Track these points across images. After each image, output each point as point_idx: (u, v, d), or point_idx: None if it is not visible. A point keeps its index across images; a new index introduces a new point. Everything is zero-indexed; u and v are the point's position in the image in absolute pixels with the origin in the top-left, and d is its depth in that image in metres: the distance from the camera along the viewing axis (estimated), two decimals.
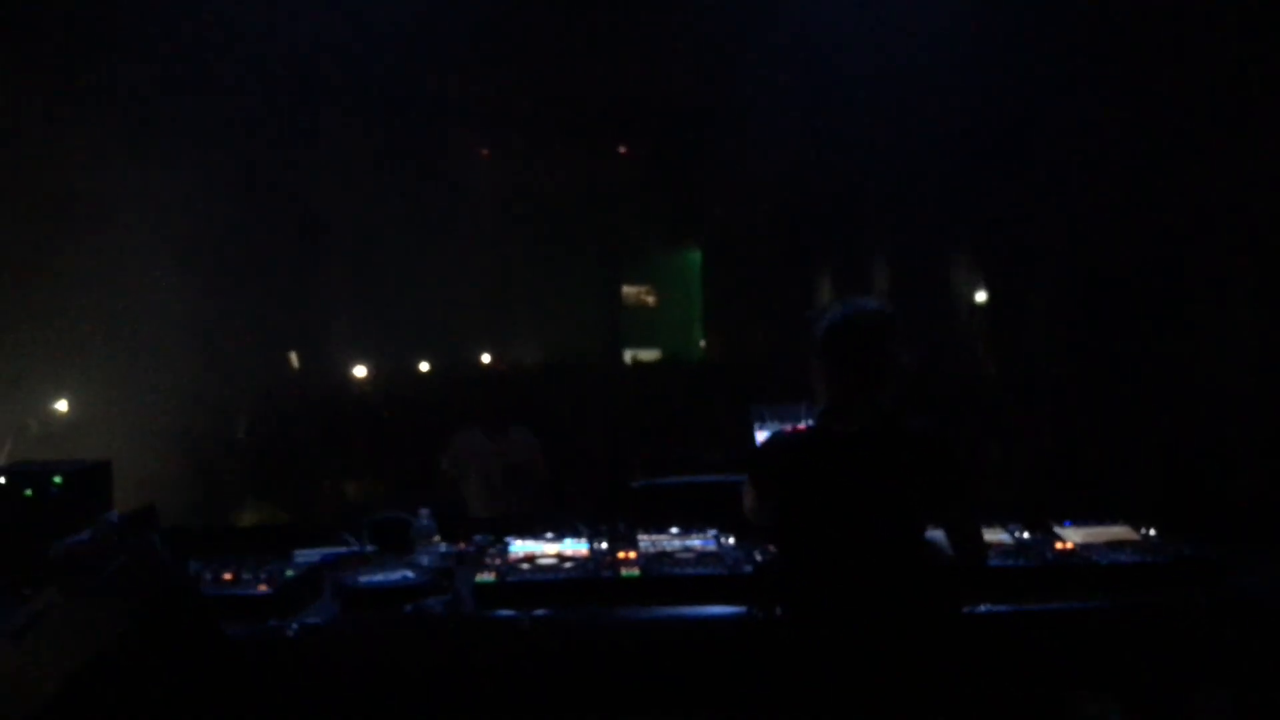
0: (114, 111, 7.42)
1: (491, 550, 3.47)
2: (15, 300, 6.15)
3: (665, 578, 3.10)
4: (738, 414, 4.05)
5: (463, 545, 3.67)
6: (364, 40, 10.84)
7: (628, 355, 17.69)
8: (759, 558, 3.21)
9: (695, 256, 19.19)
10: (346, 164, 11.78)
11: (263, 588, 3.03)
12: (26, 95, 6.70)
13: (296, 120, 10.60)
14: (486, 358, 15.73)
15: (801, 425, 3.69)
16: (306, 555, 3.57)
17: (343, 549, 3.68)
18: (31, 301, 6.18)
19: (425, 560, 3.36)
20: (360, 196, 12.19)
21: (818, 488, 2.65)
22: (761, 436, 3.73)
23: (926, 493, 2.63)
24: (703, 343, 18.78)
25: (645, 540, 3.48)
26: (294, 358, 12.38)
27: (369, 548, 3.70)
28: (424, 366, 14.61)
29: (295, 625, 2.93)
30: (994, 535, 3.41)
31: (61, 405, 6.17)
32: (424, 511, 3.56)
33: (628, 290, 19.45)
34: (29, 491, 3.50)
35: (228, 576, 3.15)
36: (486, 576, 3.11)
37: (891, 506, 2.62)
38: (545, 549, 3.41)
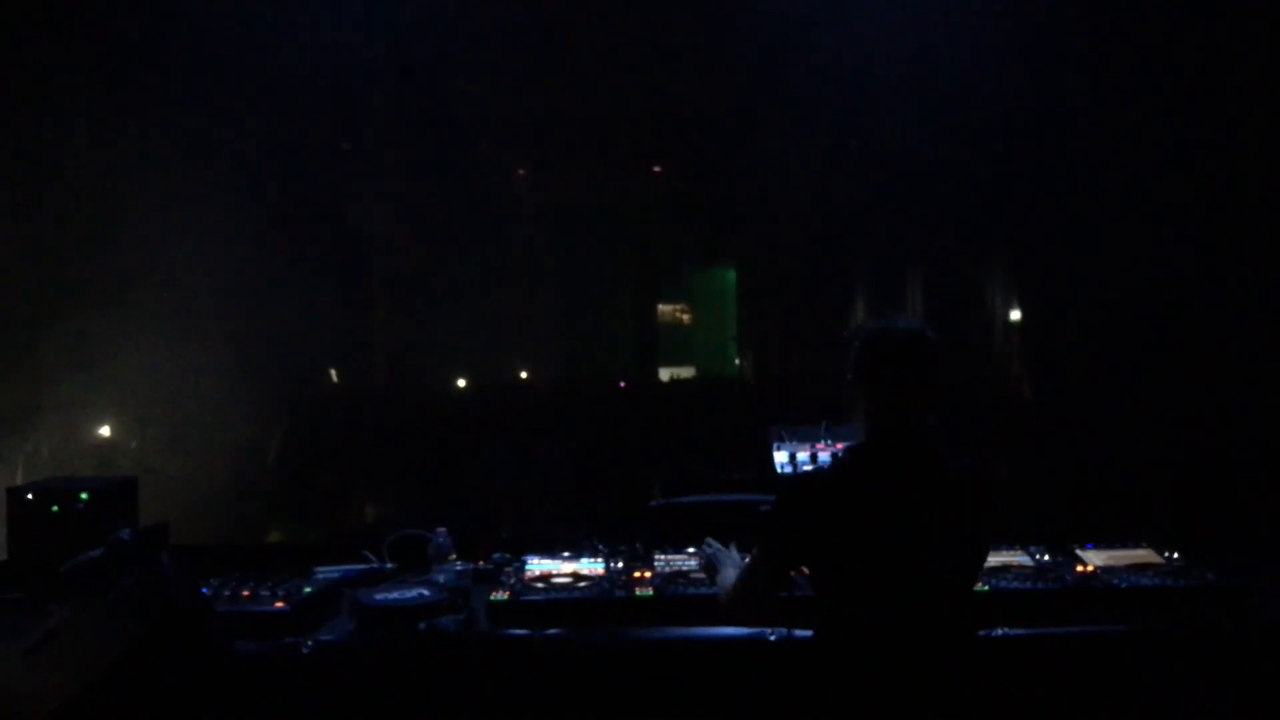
0: (154, 131, 7.56)
1: (508, 569, 3.48)
2: (46, 322, 6.26)
3: (679, 598, 3.10)
4: (761, 433, 4.05)
5: (481, 563, 3.68)
6: (401, 59, 10.99)
7: (664, 373, 17.71)
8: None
9: (730, 274, 19.20)
10: (383, 182, 11.93)
11: (279, 604, 3.06)
12: (64, 118, 6.83)
13: (334, 138, 10.74)
14: (524, 374, 15.81)
15: (821, 446, 3.69)
16: (327, 572, 3.60)
17: (363, 566, 3.71)
18: (66, 322, 6.29)
19: (442, 578, 3.37)
20: (398, 214, 12.32)
21: (862, 528, 2.44)
22: (780, 457, 3.73)
23: (975, 530, 2.51)
24: (738, 360, 18.78)
25: (661, 560, 3.47)
26: (334, 374, 12.50)
27: (389, 565, 3.73)
28: (461, 382, 14.70)
29: (310, 642, 2.95)
30: (1015, 557, 3.38)
31: (105, 430, 6.26)
32: (440, 530, 3.58)
33: (663, 308, 19.50)
34: (56, 508, 3.58)
35: (246, 593, 3.18)
36: (500, 595, 3.12)
37: (944, 545, 2.46)
38: (561, 568, 3.42)
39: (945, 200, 10.52)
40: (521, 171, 16.42)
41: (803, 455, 3.65)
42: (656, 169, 16.92)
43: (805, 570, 2.60)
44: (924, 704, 2.42)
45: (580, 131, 15.06)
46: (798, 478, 2.77)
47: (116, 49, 7.03)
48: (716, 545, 3.15)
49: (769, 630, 2.95)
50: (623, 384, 13.18)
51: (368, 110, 10.85)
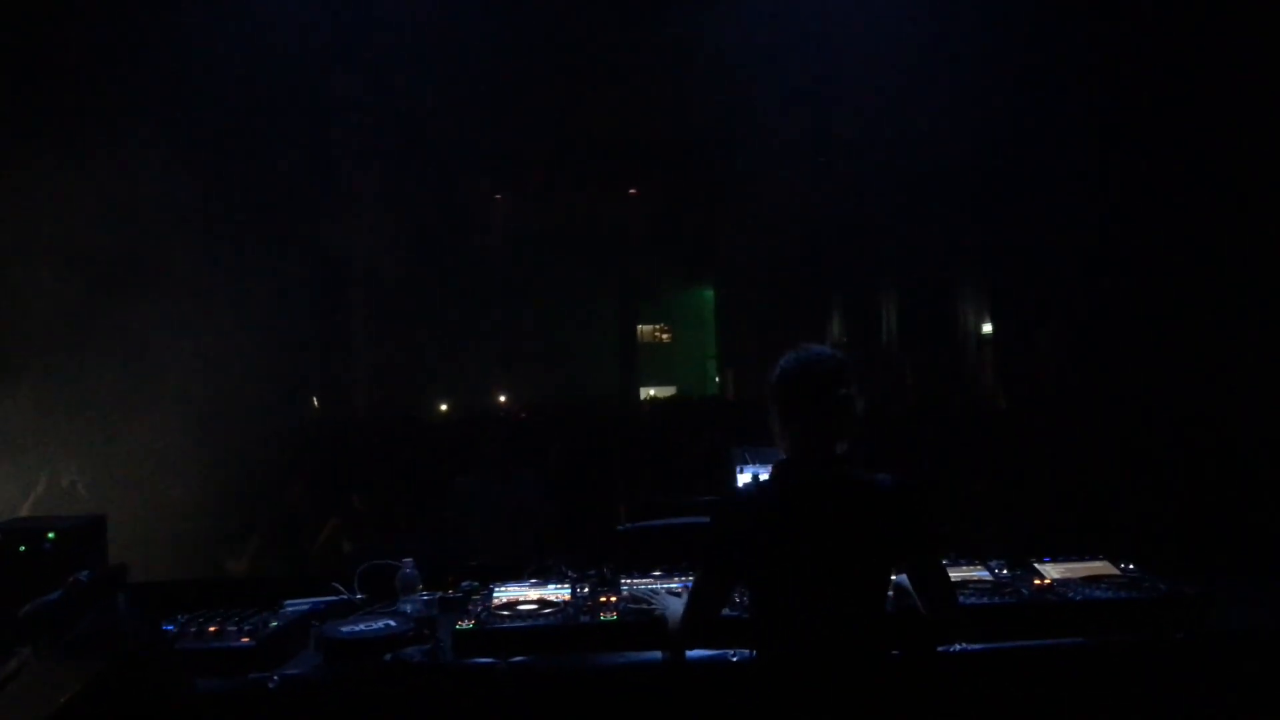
0: (130, 164, 7.57)
1: (475, 597, 3.50)
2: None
3: (641, 622, 3.13)
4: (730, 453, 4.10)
5: (449, 591, 3.71)
6: (379, 87, 11.06)
7: (645, 393, 17.81)
8: (739, 599, 3.22)
9: (709, 293, 19.34)
10: (363, 208, 11.97)
11: (245, 640, 3.08)
12: (36, 150, 6.83)
13: (314, 165, 10.77)
14: (503, 398, 15.84)
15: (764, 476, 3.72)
16: (296, 605, 3.61)
17: (332, 598, 3.72)
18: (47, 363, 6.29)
19: (409, 609, 3.40)
20: (377, 240, 12.37)
21: (777, 542, 2.62)
22: (744, 479, 3.77)
23: (888, 544, 2.63)
24: (717, 378, 18.88)
25: (628, 584, 3.50)
26: (315, 401, 12.52)
27: (358, 596, 3.75)
28: (443, 407, 14.72)
29: (276, 677, 2.97)
30: (975, 572, 3.42)
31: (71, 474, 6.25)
32: (407, 561, 3.59)
33: (643, 329, 19.61)
34: (23, 547, 3.58)
35: (212, 629, 3.19)
36: (466, 624, 3.15)
37: (851, 559, 2.60)
38: (528, 594, 3.44)
39: (919, 216, 10.62)
40: (499, 197, 16.54)
41: (765, 477, 3.68)
42: (633, 191, 17.08)
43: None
44: (839, 704, 2.56)
45: (557, 156, 15.18)
46: (724, 498, 2.93)
47: (93, 74, 7.07)
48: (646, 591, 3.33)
49: (731, 651, 2.99)
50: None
51: (345, 138, 10.89)
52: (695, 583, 2.82)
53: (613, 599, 3.33)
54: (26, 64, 6.71)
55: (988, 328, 10.60)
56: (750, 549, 2.65)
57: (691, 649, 2.96)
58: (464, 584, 3.75)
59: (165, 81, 7.54)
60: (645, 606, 3.22)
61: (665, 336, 19.72)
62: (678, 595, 3.20)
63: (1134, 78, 6.92)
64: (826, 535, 2.60)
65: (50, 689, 2.00)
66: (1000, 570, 3.43)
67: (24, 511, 5.59)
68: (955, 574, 3.31)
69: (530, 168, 15.29)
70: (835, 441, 2.68)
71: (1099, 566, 3.41)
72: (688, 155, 15.11)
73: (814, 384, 2.67)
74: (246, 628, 3.18)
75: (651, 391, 17.92)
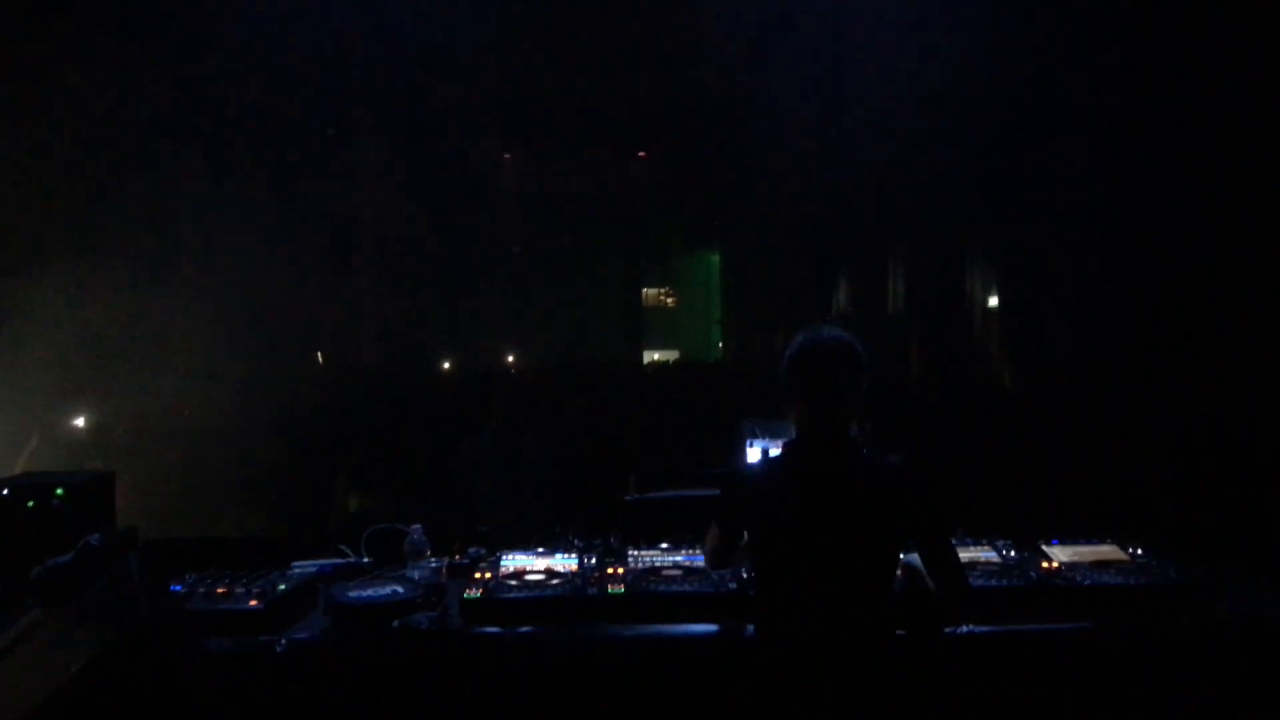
0: (144, 124, 7.53)
1: (483, 564, 3.51)
2: (34, 309, 6.25)
3: (650, 595, 3.13)
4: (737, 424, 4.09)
5: (456, 558, 3.71)
6: (389, 48, 10.96)
7: (648, 356, 17.78)
8: (745, 575, 3.23)
9: (714, 259, 19.28)
10: (372, 169, 11.90)
11: (253, 603, 3.08)
12: (57, 107, 6.79)
13: (324, 128, 10.72)
14: (510, 358, 15.83)
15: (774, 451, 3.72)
16: (304, 567, 3.62)
17: (339, 560, 3.73)
18: (50, 309, 6.27)
19: (416, 575, 3.40)
20: (386, 201, 12.31)
21: (786, 521, 2.66)
22: (753, 454, 3.76)
23: (895, 525, 2.66)
24: (720, 344, 18.87)
25: (634, 556, 3.51)
26: (320, 356, 12.50)
27: (365, 559, 3.75)
28: (446, 365, 14.70)
29: (284, 641, 2.98)
30: (983, 553, 3.42)
31: (79, 421, 6.24)
32: (416, 527, 3.60)
33: (648, 292, 19.57)
34: (31, 503, 3.59)
35: (221, 590, 3.20)
36: (473, 593, 3.15)
37: (859, 539, 2.64)
38: (535, 564, 3.45)
39: (928, 188, 10.55)
40: (507, 156, 16.44)
41: (775, 451, 3.67)
42: (641, 154, 16.97)
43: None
44: (841, 684, 2.60)
45: (566, 117, 15.07)
46: (734, 471, 3.08)
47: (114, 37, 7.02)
48: None
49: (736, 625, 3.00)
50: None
51: (355, 100, 10.81)
52: (709, 536, 2.97)
53: (620, 571, 3.33)
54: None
55: (994, 300, 10.55)
56: (758, 524, 2.72)
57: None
58: (471, 550, 3.75)
59: (176, 42, 7.49)
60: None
61: (670, 301, 19.66)
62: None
63: (1155, 48, 6.84)
64: (835, 515, 2.63)
65: (62, 654, 2.00)
66: (1008, 552, 3.42)
67: (18, 468, 5.57)
68: (963, 554, 3.30)
69: (539, 129, 15.19)
70: (845, 422, 2.71)
71: (1107, 551, 3.41)
72: (697, 120, 15.01)
73: (824, 364, 2.70)
74: (255, 590, 3.19)
75: (655, 355, 17.89)
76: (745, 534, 2.85)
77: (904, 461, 2.67)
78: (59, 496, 3.58)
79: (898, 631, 2.72)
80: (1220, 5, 5.93)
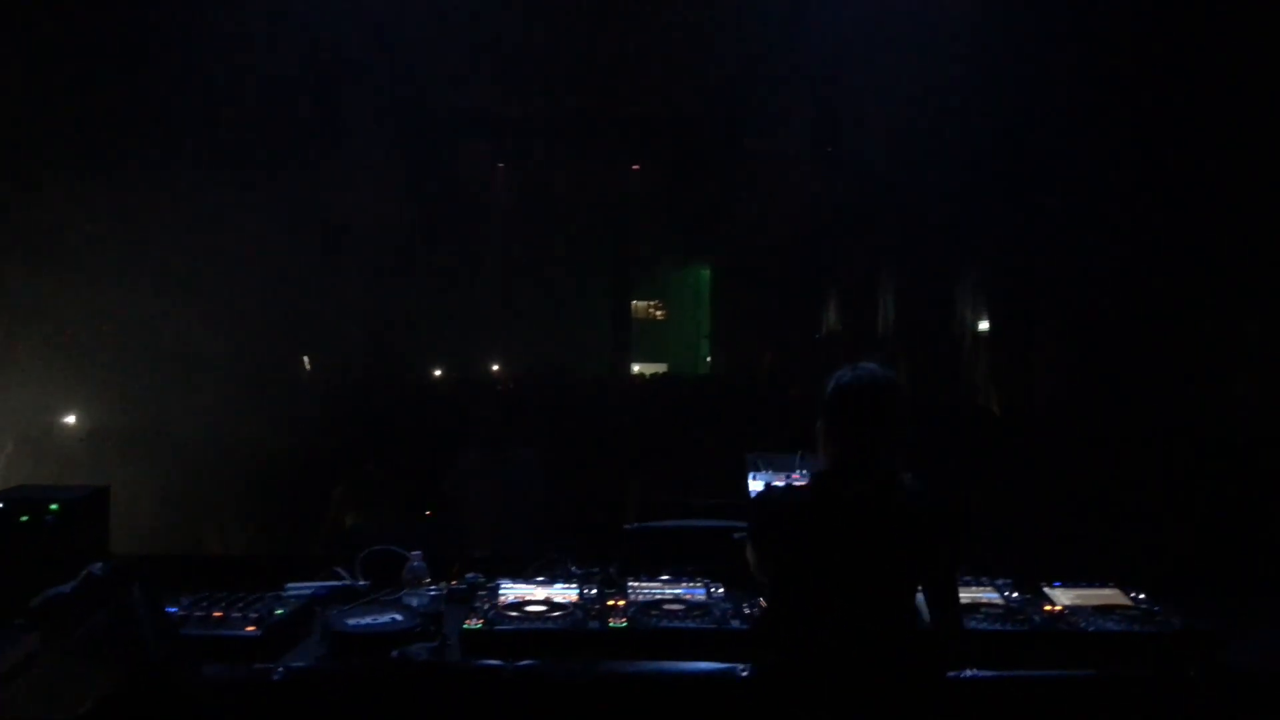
0: (134, 126, 7.48)
1: (481, 593, 3.47)
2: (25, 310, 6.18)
3: (652, 631, 3.10)
4: (735, 445, 4.06)
5: (454, 582, 3.68)
6: (385, 54, 10.93)
7: (636, 368, 17.77)
8: (748, 610, 3.21)
9: (705, 272, 19.31)
10: (365, 176, 11.86)
11: (250, 629, 3.04)
12: (39, 106, 6.73)
13: (318, 133, 10.67)
14: (496, 367, 15.81)
15: (796, 476, 3.71)
16: (299, 589, 3.58)
17: (335, 583, 3.69)
18: (41, 312, 6.21)
19: (415, 602, 3.37)
20: (378, 207, 12.27)
21: (816, 549, 2.68)
22: (756, 486, 3.74)
23: (922, 559, 2.68)
24: (709, 358, 18.89)
25: (635, 588, 3.48)
26: (306, 361, 12.43)
27: (362, 582, 3.71)
28: (436, 373, 14.67)
29: (281, 669, 2.94)
30: (984, 594, 3.41)
31: (70, 419, 6.18)
32: (415, 554, 3.57)
33: (638, 304, 19.58)
34: (25, 518, 3.54)
35: (218, 614, 3.15)
36: (474, 623, 3.12)
37: (888, 571, 2.66)
38: (535, 593, 3.42)
39: (919, 206, 10.57)
40: (500, 165, 16.43)
41: (778, 485, 3.67)
42: (635, 166, 16.99)
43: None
44: (865, 698, 2.60)
45: (561, 127, 15.08)
46: (762, 496, 2.97)
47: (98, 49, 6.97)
48: None
49: (740, 666, 2.97)
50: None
51: (350, 105, 10.77)
52: (751, 556, 2.91)
53: (621, 603, 3.30)
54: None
55: (984, 324, 10.55)
56: (784, 551, 2.73)
57: None
58: (469, 576, 3.72)
59: (171, 44, 7.45)
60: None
61: (659, 313, 19.64)
62: None
63: (1142, 78, 6.87)
64: (862, 549, 2.65)
65: (67, 693, 1.96)
66: (1010, 593, 3.41)
67: None
68: (965, 594, 3.30)
69: (534, 138, 15.18)
70: (880, 459, 2.71)
71: (1110, 595, 3.40)
72: (693, 134, 15.03)
73: (870, 401, 2.73)
74: (252, 615, 3.15)
75: (637, 368, 17.87)
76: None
77: (934, 497, 2.69)
78: (53, 512, 3.54)
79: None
80: (1221, 34, 5.96)
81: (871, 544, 2.65)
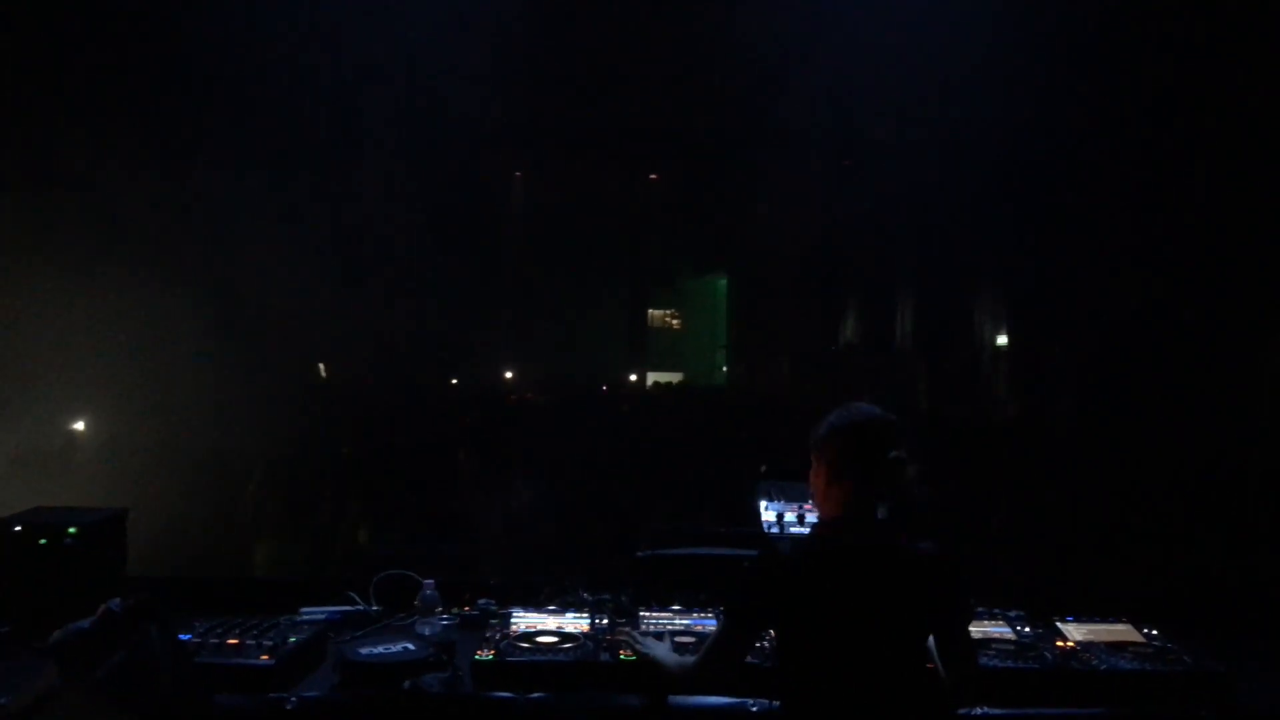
0: (156, 136, 7.53)
1: (493, 621, 3.48)
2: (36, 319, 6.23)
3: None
4: (751, 459, 4.05)
5: (466, 609, 3.70)
6: (404, 64, 10.97)
7: (651, 377, 17.77)
8: (759, 644, 3.20)
9: (722, 283, 19.31)
10: (383, 184, 11.91)
11: (264, 658, 3.06)
12: (66, 116, 6.79)
13: (338, 141, 10.73)
14: (508, 374, 15.84)
15: (809, 506, 3.69)
16: (312, 613, 3.61)
17: (348, 608, 3.71)
18: (52, 321, 6.26)
19: (427, 631, 3.38)
20: (395, 215, 12.31)
21: (819, 610, 2.58)
22: (768, 516, 3.73)
23: (928, 613, 2.62)
24: (725, 367, 18.89)
25: (647, 618, 3.48)
26: (322, 369, 12.52)
27: (374, 608, 3.74)
28: (454, 381, 14.70)
29: (294, 699, 2.96)
30: (996, 628, 3.40)
31: (79, 425, 6.23)
32: (429, 582, 3.58)
33: (654, 313, 19.59)
34: (44, 540, 3.57)
35: (232, 641, 3.17)
36: (486, 654, 3.13)
37: (895, 628, 2.59)
38: (546, 623, 3.42)
39: (936, 219, 10.56)
40: (518, 174, 16.48)
41: (790, 516, 3.66)
42: (653, 176, 17.01)
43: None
44: None
45: (579, 137, 15.10)
46: (767, 555, 2.81)
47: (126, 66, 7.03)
48: (634, 634, 3.25)
49: (751, 701, 2.97)
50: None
51: (369, 115, 10.83)
52: (722, 630, 2.77)
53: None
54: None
55: (1003, 339, 10.53)
56: (789, 612, 2.62)
57: (701, 694, 2.97)
58: (481, 602, 3.74)
59: (186, 52, 7.50)
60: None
61: (676, 323, 19.65)
62: (658, 639, 3.20)
63: (1161, 89, 6.85)
64: (868, 605, 2.57)
65: None
66: (1021, 628, 3.40)
67: None
68: (976, 629, 3.30)
69: (552, 147, 15.21)
70: (878, 504, 2.65)
71: (1122, 631, 3.39)
72: (711, 145, 15.03)
73: (866, 445, 2.64)
74: (266, 643, 3.16)
75: (653, 377, 17.86)
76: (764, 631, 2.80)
77: (936, 549, 2.61)
78: (72, 535, 3.57)
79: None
80: (1246, 49, 5.94)
81: (877, 602, 2.56)
